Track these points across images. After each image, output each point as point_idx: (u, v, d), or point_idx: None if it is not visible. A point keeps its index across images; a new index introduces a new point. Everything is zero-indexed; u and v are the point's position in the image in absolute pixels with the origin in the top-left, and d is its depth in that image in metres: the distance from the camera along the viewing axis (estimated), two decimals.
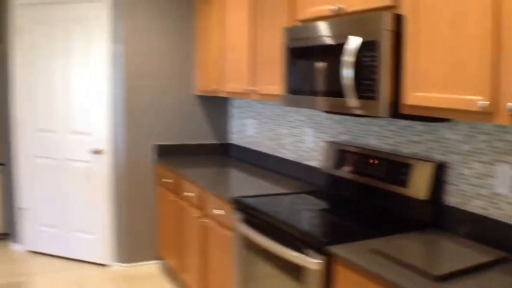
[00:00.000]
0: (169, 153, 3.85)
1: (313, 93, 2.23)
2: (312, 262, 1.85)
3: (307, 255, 1.89)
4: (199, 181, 2.98)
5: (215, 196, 2.75)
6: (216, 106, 4.02)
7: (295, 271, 1.98)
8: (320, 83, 2.17)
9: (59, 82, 3.87)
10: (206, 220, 2.90)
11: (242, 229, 2.39)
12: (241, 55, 3.05)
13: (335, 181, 2.62)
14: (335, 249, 1.76)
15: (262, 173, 3.26)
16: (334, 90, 2.07)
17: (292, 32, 2.37)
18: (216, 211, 2.73)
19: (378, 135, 2.45)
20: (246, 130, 3.78)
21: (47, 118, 3.95)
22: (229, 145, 4.06)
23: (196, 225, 3.04)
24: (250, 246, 2.36)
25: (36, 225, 4.10)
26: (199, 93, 3.86)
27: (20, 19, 3.92)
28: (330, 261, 1.80)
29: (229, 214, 2.58)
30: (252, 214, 2.34)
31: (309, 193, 2.65)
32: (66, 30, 3.80)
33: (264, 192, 2.65)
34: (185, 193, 3.17)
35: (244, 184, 2.90)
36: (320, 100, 2.18)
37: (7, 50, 4.02)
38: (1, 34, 4.12)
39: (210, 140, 4.03)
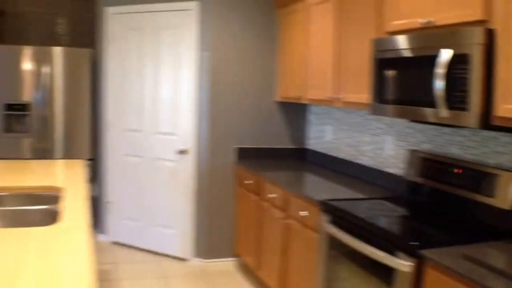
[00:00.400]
0: (248, 156, 4.05)
1: (402, 102, 2.33)
2: (403, 264, 1.95)
3: (398, 257, 1.99)
4: (283, 183, 3.14)
5: (300, 198, 2.90)
6: (294, 112, 4.18)
7: (382, 272, 2.09)
8: (409, 94, 2.27)
9: (148, 85, 4.17)
10: (289, 221, 3.05)
11: (329, 230, 2.52)
12: (326, 64, 3.18)
13: (416, 188, 2.70)
14: (427, 253, 1.85)
15: (339, 178, 3.38)
16: (424, 100, 2.17)
17: (381, 44, 2.48)
18: (301, 213, 2.88)
19: (461, 145, 2.51)
20: (323, 136, 3.91)
21: (136, 119, 4.26)
22: (306, 150, 4.20)
23: (278, 226, 3.19)
24: (336, 247, 2.49)
25: (121, 218, 4.42)
26: (280, 100, 4.04)
27: (113, 26, 4.27)
28: (421, 264, 1.89)
29: (315, 216, 2.72)
30: (340, 216, 2.47)
31: (389, 199, 2.74)
32: (156, 36, 4.09)
33: (342, 197, 2.77)
34: (269, 195, 3.34)
35: (323, 188, 3.03)
36: (409, 110, 2.28)
37: (100, 55, 4.38)
38: (95, 40, 4.49)
39: (288, 144, 4.19)
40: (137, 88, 4.23)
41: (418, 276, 1.90)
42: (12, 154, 4.44)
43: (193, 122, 3.98)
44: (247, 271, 3.90)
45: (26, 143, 4.41)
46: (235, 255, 4.08)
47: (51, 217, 2.09)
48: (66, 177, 2.62)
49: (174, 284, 3.63)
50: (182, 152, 4.04)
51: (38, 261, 1.34)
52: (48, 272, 1.27)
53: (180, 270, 3.91)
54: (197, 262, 4.05)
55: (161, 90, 4.12)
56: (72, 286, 1.19)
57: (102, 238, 4.52)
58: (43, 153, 4.49)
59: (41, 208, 2.11)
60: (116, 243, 4.46)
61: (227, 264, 4.05)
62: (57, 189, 2.36)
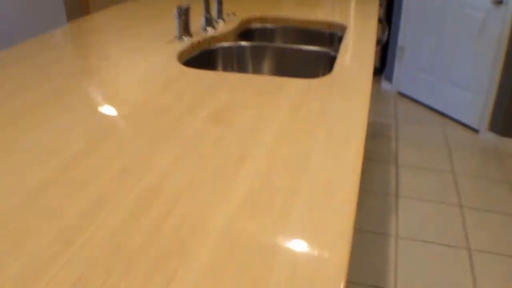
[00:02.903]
0: None
1: None
2: None
3: None
4: None
5: None
6: None
7: None
8: None
9: None
10: None
11: None
12: None
13: None
14: None
15: None
16: None
17: None
18: None
19: None
20: None
21: None
22: None
23: None
24: None
25: (411, 68, 3.99)
26: None
27: None
28: None
29: None
30: None
31: None
32: None
33: None
34: None
35: None
36: None
37: None
38: None
39: None
40: None
41: None
42: None
43: None
44: None
45: None
46: None
47: (325, 63, 1.81)
48: (355, 13, 2.26)
49: (457, 156, 3.17)
50: (497, 2, 3.20)
51: (277, 137, 1.10)
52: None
53: (467, 142, 3.38)
54: (490, 136, 3.43)
55: None
56: (344, 142, 0.92)
57: (387, 86, 4.22)
58: None
59: (316, 50, 1.84)
60: (402, 95, 4.12)
61: None
62: (341, 27, 2.04)
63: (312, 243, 0.72)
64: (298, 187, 0.85)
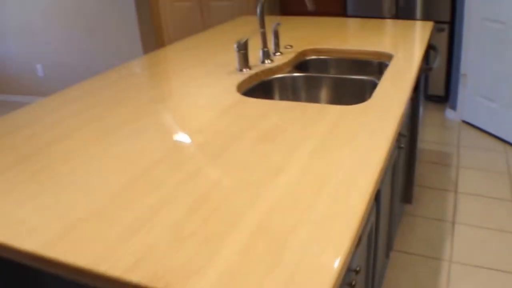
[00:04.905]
0: None
1: None
2: None
3: None
4: None
5: None
6: None
7: None
8: None
9: None
10: None
11: None
12: None
13: None
14: None
15: None
16: None
17: None
18: None
19: None
20: None
21: None
22: None
23: None
24: None
25: (474, 95, 4.07)
26: None
27: None
28: None
29: None
30: None
31: None
32: None
33: None
34: None
35: None
36: None
37: None
38: None
39: None
40: None
41: None
42: (367, 12, 4.53)
43: None
44: None
45: (387, 1, 4.41)
46: None
47: (372, 90, 2.03)
48: (404, 41, 2.47)
49: None
50: None
51: (315, 150, 1.34)
52: (319, 168, 1.24)
53: None
54: None
55: None
56: (366, 156, 1.14)
57: (451, 115, 4.32)
58: (399, 12, 4.42)
59: (363, 79, 2.07)
60: (466, 123, 4.20)
61: None
62: (389, 56, 2.25)
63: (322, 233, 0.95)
64: (320, 192, 1.09)
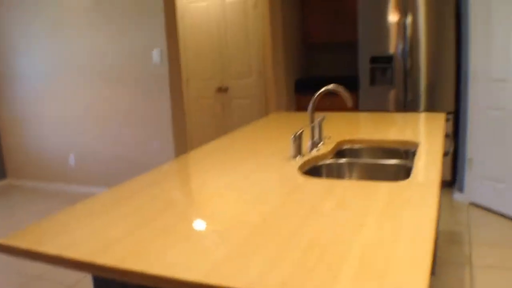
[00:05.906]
0: None
1: None
2: None
3: None
4: None
5: None
6: None
7: None
8: None
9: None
10: None
11: None
12: None
13: None
14: None
15: None
16: None
17: None
18: None
19: None
20: None
21: (503, 67, 4.16)
22: None
23: None
24: None
25: (481, 177, 4.52)
26: None
27: None
28: None
29: None
30: None
31: None
32: None
33: None
34: None
35: None
36: None
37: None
38: None
39: None
40: (505, 32, 4.12)
41: None
42: (377, 106, 5.09)
43: None
44: None
45: (390, 95, 4.98)
46: None
47: (403, 172, 2.48)
48: (424, 131, 2.96)
49: None
50: None
51: (382, 212, 1.74)
52: (389, 225, 1.64)
53: None
54: None
55: None
56: (411, 242, 1.53)
57: (458, 197, 4.74)
58: (406, 105, 4.98)
59: (395, 163, 2.52)
60: (474, 204, 4.61)
61: None
62: (413, 144, 2.72)
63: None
64: (394, 244, 1.49)
